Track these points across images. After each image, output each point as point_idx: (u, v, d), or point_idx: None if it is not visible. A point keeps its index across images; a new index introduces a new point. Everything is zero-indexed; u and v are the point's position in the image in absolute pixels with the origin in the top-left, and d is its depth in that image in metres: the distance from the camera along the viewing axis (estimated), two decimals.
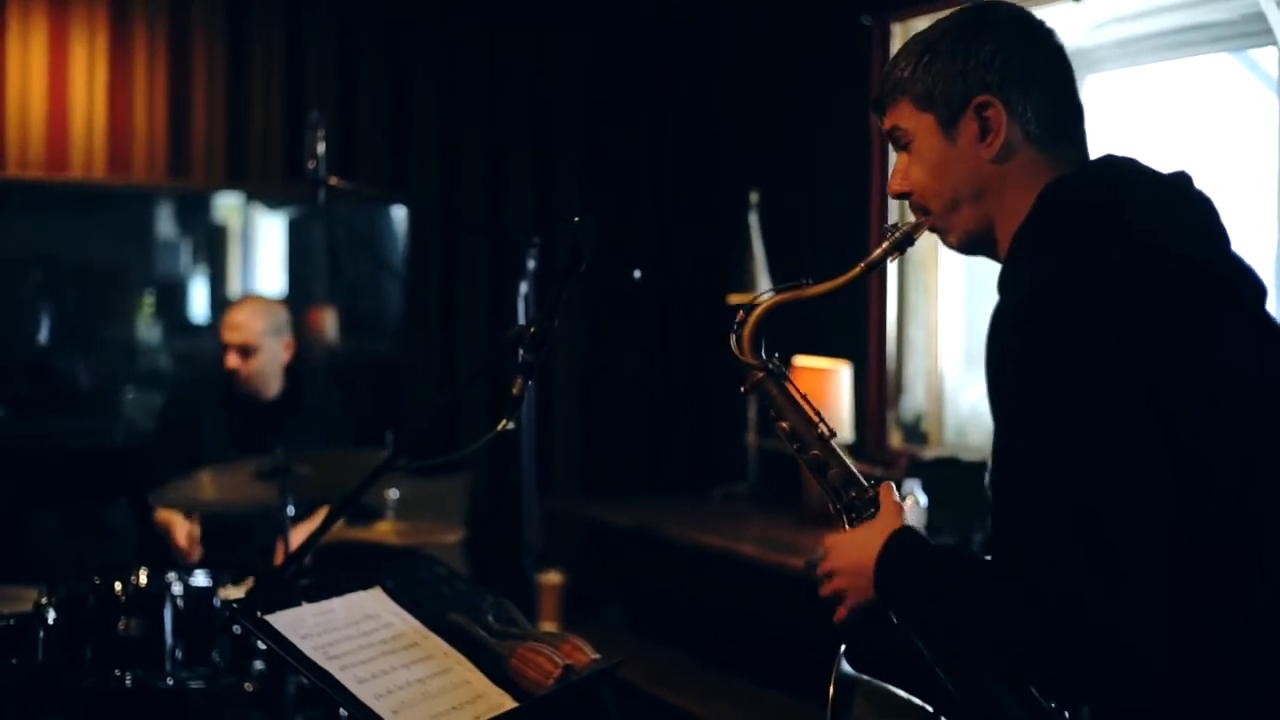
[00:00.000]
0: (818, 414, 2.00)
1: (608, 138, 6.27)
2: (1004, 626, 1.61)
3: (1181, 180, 1.78)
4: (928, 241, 4.99)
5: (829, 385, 4.86)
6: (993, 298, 1.83)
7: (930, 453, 4.73)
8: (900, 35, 4.91)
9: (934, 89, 1.81)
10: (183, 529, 4.14)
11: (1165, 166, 1.80)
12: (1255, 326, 1.74)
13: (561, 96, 6.20)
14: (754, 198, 5.39)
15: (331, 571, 3.49)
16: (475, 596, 2.28)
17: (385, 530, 4.19)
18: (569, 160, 6.23)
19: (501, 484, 5.79)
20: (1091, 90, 4.68)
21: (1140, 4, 4.27)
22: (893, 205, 4.93)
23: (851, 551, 1.83)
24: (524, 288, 3.94)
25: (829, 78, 5.36)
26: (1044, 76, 1.80)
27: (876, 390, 4.98)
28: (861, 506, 1.92)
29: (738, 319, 2.02)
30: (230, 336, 4.38)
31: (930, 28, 1.88)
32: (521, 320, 3.93)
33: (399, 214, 5.89)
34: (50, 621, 2.73)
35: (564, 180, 6.21)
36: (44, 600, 2.76)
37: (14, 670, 2.71)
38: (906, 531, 1.80)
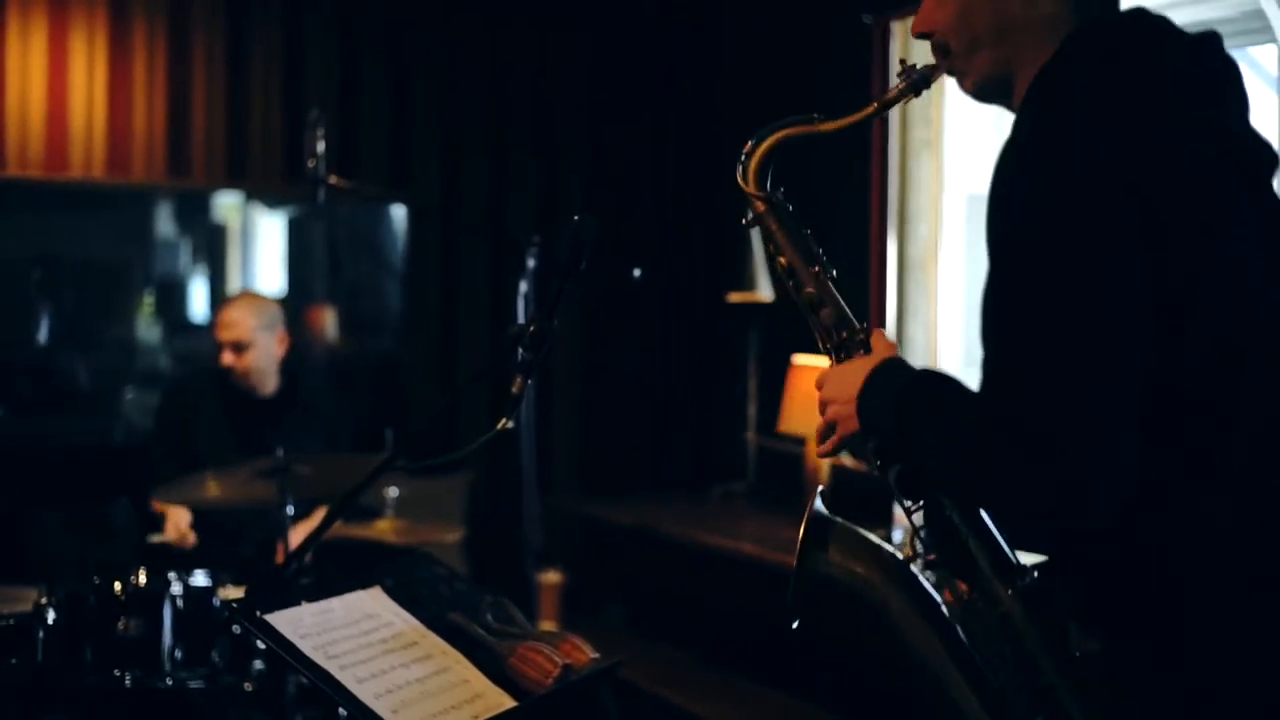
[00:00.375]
0: (819, 250, 1.99)
1: (609, 137, 6.27)
2: (973, 452, 1.61)
3: (1210, 42, 1.76)
4: (928, 240, 4.99)
5: None
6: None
7: None
8: (900, 34, 4.91)
9: None
10: (173, 520, 4.16)
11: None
12: (1260, 196, 1.73)
13: (562, 96, 6.20)
14: None
15: (331, 571, 3.50)
16: (474, 596, 2.28)
17: (384, 529, 4.19)
18: (570, 159, 6.23)
19: (501, 483, 5.79)
20: None
21: (1139, 2, 4.26)
22: (892, 205, 4.94)
23: (840, 382, 1.84)
24: (524, 287, 3.94)
25: (830, 76, 5.36)
26: None
27: None
28: (852, 347, 1.91)
29: (745, 149, 2.00)
30: (224, 334, 4.41)
31: None
32: (521, 319, 3.94)
33: (399, 213, 5.89)
34: (50, 621, 2.74)
35: (565, 180, 6.21)
36: (44, 600, 2.76)
37: (14, 670, 2.71)
38: (893, 360, 1.80)
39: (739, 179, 2.01)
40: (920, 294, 4.98)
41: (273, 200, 5.84)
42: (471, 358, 5.97)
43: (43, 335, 5.39)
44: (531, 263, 3.96)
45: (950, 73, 1.87)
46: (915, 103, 5.06)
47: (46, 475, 5.29)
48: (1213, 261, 1.61)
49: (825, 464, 4.87)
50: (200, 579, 2.92)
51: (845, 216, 5.14)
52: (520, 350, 2.15)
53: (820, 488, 1.96)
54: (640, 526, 5.15)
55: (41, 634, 2.73)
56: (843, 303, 1.94)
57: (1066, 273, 1.56)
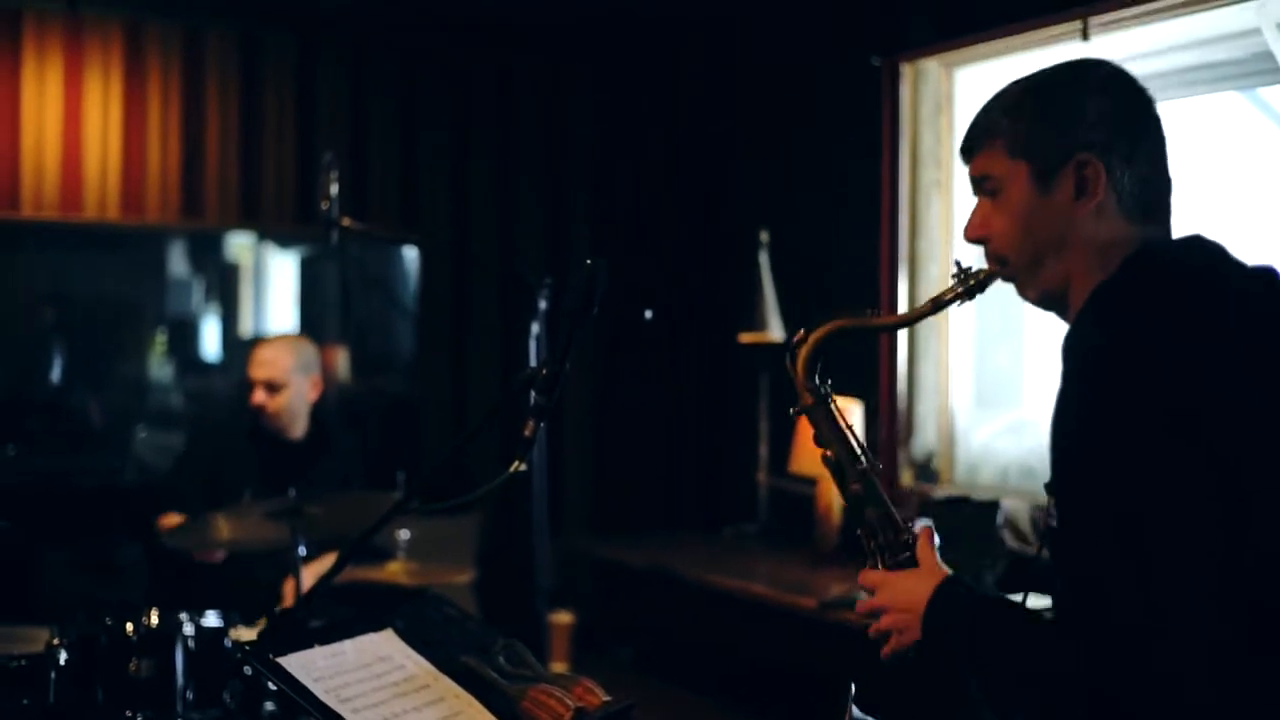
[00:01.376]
0: (863, 447, 1.99)
1: (618, 178, 6.30)
2: (1053, 686, 1.62)
3: (1267, 273, 1.77)
4: (938, 281, 5.00)
5: None
6: (1002, 336, 1.83)
7: (941, 491, 4.72)
8: (909, 76, 4.94)
9: (1034, 138, 1.78)
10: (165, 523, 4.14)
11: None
12: None
13: (571, 137, 6.24)
14: (764, 237, 5.41)
15: (343, 613, 3.49)
16: (486, 638, 2.28)
17: (396, 570, 4.18)
18: (579, 201, 6.26)
19: (512, 524, 5.79)
20: None
21: (1149, 43, 4.29)
22: (902, 246, 4.94)
23: (901, 592, 1.84)
24: (535, 328, 3.94)
25: (839, 118, 5.39)
26: (1147, 147, 1.78)
27: (888, 429, 4.98)
28: (897, 549, 1.92)
29: (796, 338, 2.00)
30: (258, 372, 4.35)
31: (1030, 75, 1.85)
32: (533, 360, 3.94)
33: (410, 254, 5.91)
34: (62, 662, 2.73)
35: (574, 221, 6.24)
36: (55, 641, 2.75)
37: (26, 711, 2.70)
38: (957, 580, 1.81)
39: (789, 366, 2.00)
40: (931, 334, 4.98)
41: (285, 241, 5.87)
42: (482, 398, 5.98)
43: (56, 374, 5.41)
44: (543, 304, 3.96)
45: (1007, 280, 1.87)
46: (925, 143, 5.10)
47: (58, 514, 5.30)
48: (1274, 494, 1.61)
49: (837, 505, 4.86)
50: (212, 620, 2.91)
51: (856, 257, 5.15)
52: (532, 393, 2.15)
53: (854, 688, 1.96)
54: (651, 567, 5.14)
55: (53, 674, 2.73)
56: (888, 501, 1.95)
57: (1133, 510, 1.57)
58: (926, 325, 4.97)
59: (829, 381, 2.01)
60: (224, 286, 5.79)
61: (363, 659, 2.09)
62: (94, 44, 5.39)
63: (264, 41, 5.68)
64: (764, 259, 5.40)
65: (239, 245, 5.82)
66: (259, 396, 4.34)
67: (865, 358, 5.04)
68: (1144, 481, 1.57)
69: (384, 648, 2.15)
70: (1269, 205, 4.13)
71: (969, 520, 4.22)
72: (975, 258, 1.94)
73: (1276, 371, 1.66)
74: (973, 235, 1.88)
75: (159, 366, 5.68)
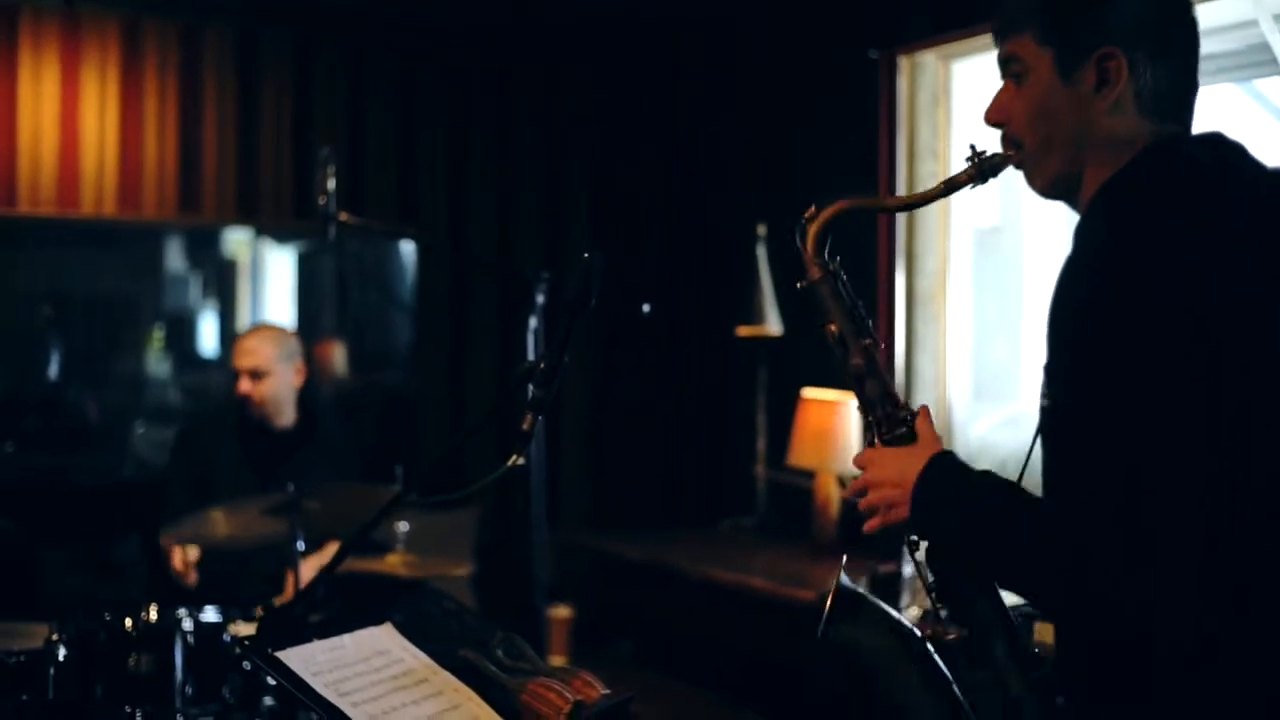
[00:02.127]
0: (869, 324, 1.99)
1: (615, 172, 6.30)
2: (1034, 570, 1.65)
3: None
4: (936, 274, 4.99)
5: (838, 417, 4.86)
6: (1000, 329, 1.84)
7: None
8: (906, 68, 4.93)
9: (1062, 25, 1.79)
10: (178, 554, 4.15)
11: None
12: None
13: (569, 132, 6.24)
14: (761, 231, 5.41)
15: (342, 607, 3.49)
16: (485, 631, 2.28)
17: (394, 563, 4.19)
18: (577, 195, 6.25)
19: (510, 517, 5.80)
20: None
21: None
22: (899, 239, 4.94)
23: (892, 467, 1.84)
24: (533, 322, 3.95)
25: (836, 111, 5.38)
26: (1175, 49, 1.80)
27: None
28: (894, 423, 1.93)
29: (807, 215, 2.02)
30: (242, 361, 4.43)
31: None
32: (531, 355, 3.95)
33: (408, 249, 5.91)
34: (61, 658, 2.73)
35: (572, 215, 6.24)
36: (55, 637, 2.76)
37: (26, 707, 2.71)
38: (949, 455, 1.81)
39: (798, 241, 2.03)
40: (929, 327, 4.98)
41: (283, 236, 5.87)
42: (480, 393, 5.98)
43: (53, 371, 5.41)
44: (540, 298, 3.97)
45: (1018, 166, 1.88)
46: (922, 136, 5.08)
47: (56, 511, 5.30)
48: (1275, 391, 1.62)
49: (835, 498, 4.87)
50: (211, 615, 2.92)
51: (853, 249, 5.13)
52: (530, 387, 2.16)
53: (844, 559, 1.98)
54: (649, 561, 5.14)
55: (53, 671, 2.73)
56: (889, 378, 1.96)
57: (1128, 404, 1.58)
58: (925, 319, 4.98)
59: (838, 258, 2.00)
60: (221, 282, 5.79)
61: (362, 653, 2.10)
62: (91, 40, 5.38)
63: (261, 37, 5.67)
64: (761, 253, 5.40)
65: (236, 241, 5.82)
66: (245, 385, 4.41)
67: None
68: (1141, 376, 1.58)
69: (383, 642, 2.16)
70: None
71: None
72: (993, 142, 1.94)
73: (1273, 274, 1.66)
74: (992, 118, 1.90)
75: (157, 362, 5.68)
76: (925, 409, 1.93)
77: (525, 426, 2.12)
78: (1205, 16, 4.05)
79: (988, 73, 4.89)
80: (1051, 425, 1.69)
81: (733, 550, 5.14)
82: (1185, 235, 1.64)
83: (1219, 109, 4.36)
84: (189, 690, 2.80)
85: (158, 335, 5.65)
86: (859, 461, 1.91)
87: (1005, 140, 1.89)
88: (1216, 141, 1.79)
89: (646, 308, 4.30)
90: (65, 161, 5.34)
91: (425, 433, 5.94)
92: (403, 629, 2.20)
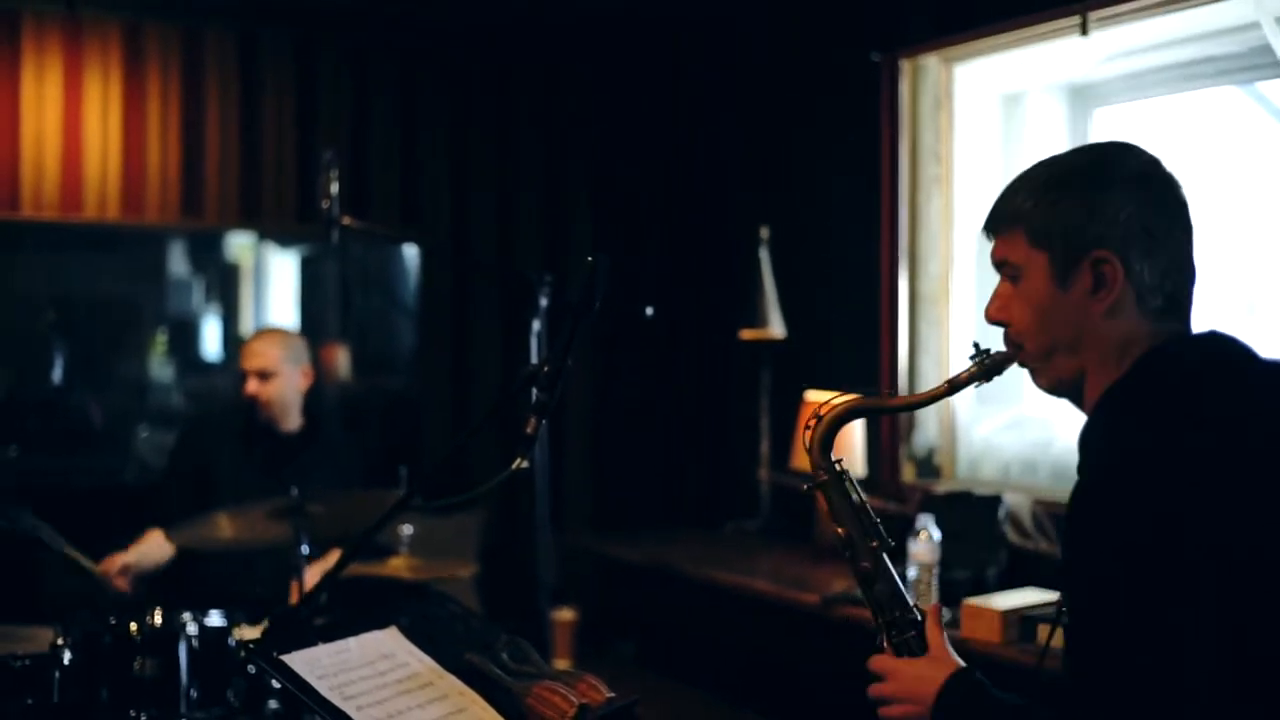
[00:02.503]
0: (877, 525, 2.00)
1: (618, 174, 6.30)
2: None
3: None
4: (939, 278, 4.99)
5: None
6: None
7: (943, 487, 4.72)
8: (908, 71, 4.93)
9: (1054, 229, 1.79)
10: (116, 561, 4.12)
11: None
12: None
13: (571, 134, 6.24)
14: (764, 234, 5.41)
15: (347, 610, 3.50)
16: (490, 635, 2.29)
17: (398, 566, 4.18)
18: (579, 197, 6.26)
19: (514, 520, 5.79)
20: (1100, 124, 4.71)
21: (1148, 38, 4.29)
22: (902, 242, 4.95)
23: (911, 682, 1.86)
24: (536, 325, 3.95)
25: (838, 114, 5.39)
26: (1166, 242, 1.78)
27: (889, 425, 4.98)
28: (904, 626, 1.94)
29: (810, 419, 2.02)
30: (249, 362, 4.43)
31: (1058, 160, 1.86)
32: (534, 357, 3.94)
33: (411, 252, 5.92)
34: (66, 662, 2.73)
35: (574, 218, 6.24)
36: (59, 640, 2.76)
37: (30, 711, 2.71)
38: (965, 673, 1.82)
39: (804, 445, 2.03)
40: (932, 330, 4.98)
41: (285, 240, 5.87)
42: (484, 395, 5.99)
43: (56, 375, 5.41)
44: (543, 301, 3.96)
45: (1022, 365, 1.88)
46: (924, 139, 5.09)
47: (59, 514, 5.29)
48: None
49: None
50: (216, 619, 2.91)
51: (857, 253, 5.15)
52: (534, 390, 2.16)
53: None
54: (653, 564, 5.14)
55: (57, 674, 2.73)
56: (898, 580, 1.97)
57: (1141, 629, 1.58)
58: (927, 321, 4.98)
59: (841, 460, 2.03)
60: (224, 286, 5.79)
61: (367, 656, 2.10)
62: (93, 44, 5.39)
63: (263, 41, 5.68)
64: (764, 255, 5.40)
65: (239, 245, 5.82)
66: (253, 386, 4.41)
67: (867, 354, 5.05)
68: (1146, 595, 1.58)
69: (388, 645, 2.16)
70: (1268, 200, 4.14)
71: (971, 515, 4.22)
72: (983, 322, 1.95)
73: None
74: (993, 318, 1.89)
75: (159, 367, 5.68)
76: (935, 609, 1.94)
77: (529, 430, 2.12)
78: (1208, 19, 4.06)
79: (990, 76, 4.91)
80: (1070, 642, 1.70)
81: (735, 553, 5.14)
82: (1182, 445, 1.64)
83: (1221, 112, 4.37)
84: (194, 694, 2.80)
85: (160, 339, 5.66)
86: (876, 668, 1.92)
87: (1007, 339, 1.89)
88: (1212, 341, 1.79)
89: (649, 310, 4.30)
90: (68, 165, 5.35)
91: (428, 436, 5.94)
92: (408, 633, 2.20)
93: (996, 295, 1.88)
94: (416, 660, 2.15)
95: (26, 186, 5.28)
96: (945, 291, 4.97)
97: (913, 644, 1.92)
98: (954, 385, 1.93)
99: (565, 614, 5.34)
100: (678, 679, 5.19)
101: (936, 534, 4.04)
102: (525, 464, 2.11)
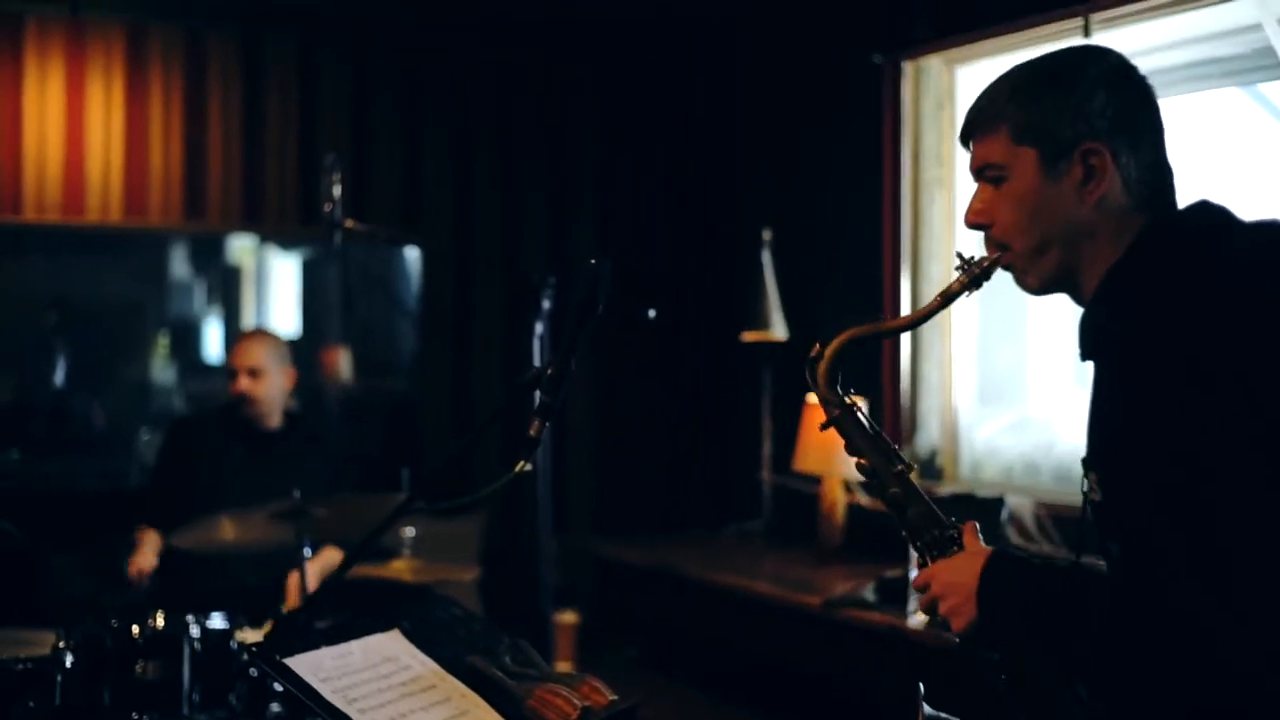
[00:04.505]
0: (895, 449, 1.99)
1: (620, 177, 6.30)
2: (1113, 649, 1.63)
3: (1276, 228, 1.79)
4: (941, 278, 4.99)
5: None
6: (1005, 334, 1.84)
7: (945, 489, 4.72)
8: (911, 74, 4.94)
9: (1041, 123, 1.80)
10: (149, 560, 4.18)
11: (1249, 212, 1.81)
12: None
13: (574, 137, 6.24)
14: (767, 236, 5.41)
15: (349, 613, 3.50)
16: (492, 637, 2.28)
17: (401, 568, 4.18)
18: (582, 200, 6.26)
19: (516, 523, 5.79)
20: None
21: (1151, 39, 4.29)
22: (905, 244, 4.95)
23: (954, 574, 1.83)
24: (539, 327, 3.95)
25: (841, 116, 5.39)
26: (1149, 134, 1.81)
27: (891, 426, 4.98)
28: (944, 544, 1.92)
29: (812, 353, 2.01)
30: (241, 360, 4.49)
31: (1032, 61, 1.87)
32: (537, 360, 3.94)
33: (413, 255, 5.91)
34: (68, 665, 2.73)
35: (577, 220, 6.24)
36: (62, 644, 2.76)
37: (33, 714, 2.71)
38: (1004, 552, 1.82)
39: (810, 382, 2.01)
40: (934, 333, 4.98)
41: (287, 242, 5.87)
42: (485, 398, 5.99)
43: (59, 377, 5.41)
44: (546, 304, 3.96)
45: (1007, 268, 1.88)
46: (927, 141, 5.09)
47: (62, 517, 5.30)
48: None
49: (841, 503, 4.86)
50: (218, 621, 2.91)
51: (859, 255, 5.15)
52: (537, 393, 2.15)
53: (922, 688, 1.96)
54: (655, 566, 5.14)
55: (60, 677, 2.73)
56: (928, 500, 1.96)
57: (1191, 474, 1.57)
58: (930, 324, 4.96)
59: (850, 390, 2.01)
60: (226, 288, 5.80)
61: (369, 659, 2.10)
62: (96, 47, 5.39)
63: (265, 43, 5.68)
64: (767, 257, 5.40)
65: (241, 247, 5.82)
66: (244, 383, 4.47)
67: (869, 356, 5.05)
68: (1196, 447, 1.57)
69: (391, 648, 2.16)
70: (1271, 201, 4.14)
71: (973, 517, 4.20)
72: (975, 245, 1.94)
73: None
74: (974, 221, 1.89)
75: (162, 369, 5.68)
76: (971, 525, 1.93)
77: (532, 432, 2.12)
78: (1211, 21, 4.06)
79: (992, 78, 4.90)
80: (1110, 514, 1.69)
81: (738, 555, 5.14)
82: (1202, 304, 1.64)
83: (1224, 113, 4.37)
84: (196, 697, 2.80)
85: (163, 342, 5.66)
86: (919, 582, 1.90)
87: (989, 243, 1.88)
88: (1204, 210, 1.80)
89: (652, 313, 4.29)
90: (71, 168, 5.35)
91: (429, 439, 5.94)
92: (410, 635, 2.20)
93: (976, 199, 1.88)
94: (419, 663, 2.15)
95: (29, 189, 5.28)
96: None
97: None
98: (946, 297, 1.92)
99: (567, 616, 5.34)
100: (680, 681, 5.19)
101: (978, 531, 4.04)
102: (529, 466, 2.10)
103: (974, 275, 1.89)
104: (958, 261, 1.91)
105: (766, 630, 4.60)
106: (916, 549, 1.95)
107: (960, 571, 1.82)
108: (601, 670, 2.51)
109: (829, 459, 4.82)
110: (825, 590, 4.23)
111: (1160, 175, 1.82)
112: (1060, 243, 1.81)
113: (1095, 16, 4.18)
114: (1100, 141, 1.77)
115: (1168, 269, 1.72)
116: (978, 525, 1.93)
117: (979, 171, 1.87)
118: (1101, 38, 4.23)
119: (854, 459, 2.01)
